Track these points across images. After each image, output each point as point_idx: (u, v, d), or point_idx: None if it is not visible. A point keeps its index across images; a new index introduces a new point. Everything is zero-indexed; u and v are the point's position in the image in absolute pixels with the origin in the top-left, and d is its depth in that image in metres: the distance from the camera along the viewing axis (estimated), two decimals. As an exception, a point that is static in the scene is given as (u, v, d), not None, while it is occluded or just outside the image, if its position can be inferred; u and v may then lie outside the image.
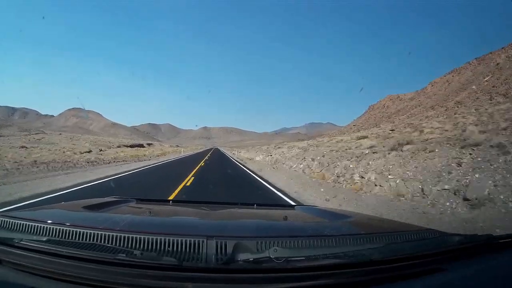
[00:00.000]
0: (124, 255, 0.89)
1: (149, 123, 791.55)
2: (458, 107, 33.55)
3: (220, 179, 12.76)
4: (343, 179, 9.78)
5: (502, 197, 5.05)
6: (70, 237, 1.01)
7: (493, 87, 37.40)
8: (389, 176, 7.82)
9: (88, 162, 18.37)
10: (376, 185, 7.86)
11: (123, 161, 22.51)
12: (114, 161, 21.22)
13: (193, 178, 11.83)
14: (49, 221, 1.12)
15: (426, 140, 10.51)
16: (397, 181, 7.36)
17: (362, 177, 8.76)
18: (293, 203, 5.98)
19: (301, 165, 14.97)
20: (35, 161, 16.23)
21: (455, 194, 5.80)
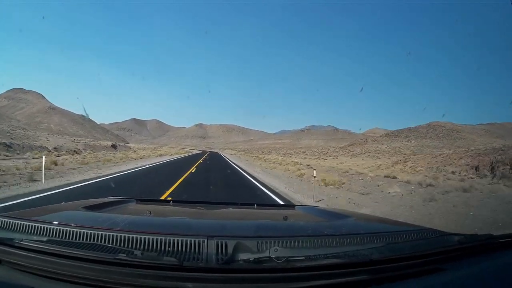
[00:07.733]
0: (125, 255, 0.93)
1: (133, 118, 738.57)
2: None
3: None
4: None
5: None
6: (70, 237, 1.05)
7: None
8: None
9: None
10: None
11: None
12: None
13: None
14: (49, 221, 1.15)
15: None
16: None
17: None
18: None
19: None
20: None
21: None
